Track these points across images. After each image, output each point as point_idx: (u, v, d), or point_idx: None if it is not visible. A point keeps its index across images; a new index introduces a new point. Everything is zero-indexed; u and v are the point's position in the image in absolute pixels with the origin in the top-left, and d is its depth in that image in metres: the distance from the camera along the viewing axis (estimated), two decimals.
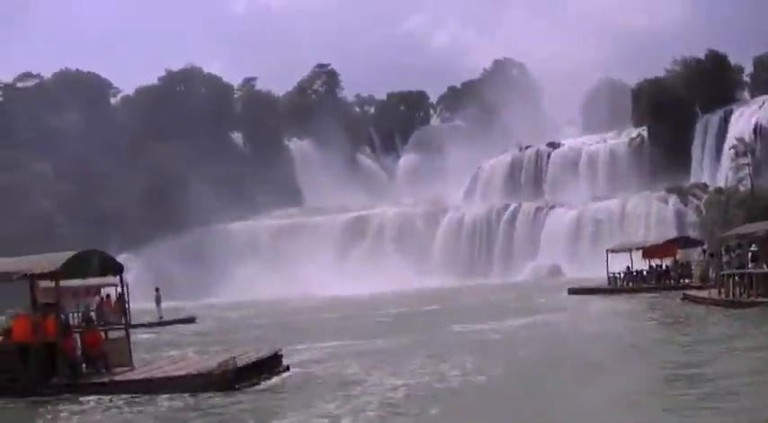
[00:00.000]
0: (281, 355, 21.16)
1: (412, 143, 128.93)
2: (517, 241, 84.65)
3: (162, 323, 46.03)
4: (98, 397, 18.15)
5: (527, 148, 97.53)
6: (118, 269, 22.36)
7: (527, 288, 56.69)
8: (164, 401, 17.39)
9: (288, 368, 20.72)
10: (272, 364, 20.49)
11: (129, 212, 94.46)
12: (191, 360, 22.16)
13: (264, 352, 21.05)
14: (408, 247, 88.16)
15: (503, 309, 39.65)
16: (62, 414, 17.03)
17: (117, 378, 19.48)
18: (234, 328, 40.87)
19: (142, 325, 41.14)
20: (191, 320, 47.83)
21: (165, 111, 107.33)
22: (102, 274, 22.99)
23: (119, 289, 40.91)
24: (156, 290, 50.06)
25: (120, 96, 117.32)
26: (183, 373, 19.13)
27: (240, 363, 19.18)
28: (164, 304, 49.59)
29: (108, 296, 41.83)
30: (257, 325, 41.61)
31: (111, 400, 17.83)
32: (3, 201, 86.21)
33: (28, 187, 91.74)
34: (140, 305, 46.33)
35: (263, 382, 19.19)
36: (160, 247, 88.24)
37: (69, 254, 20.79)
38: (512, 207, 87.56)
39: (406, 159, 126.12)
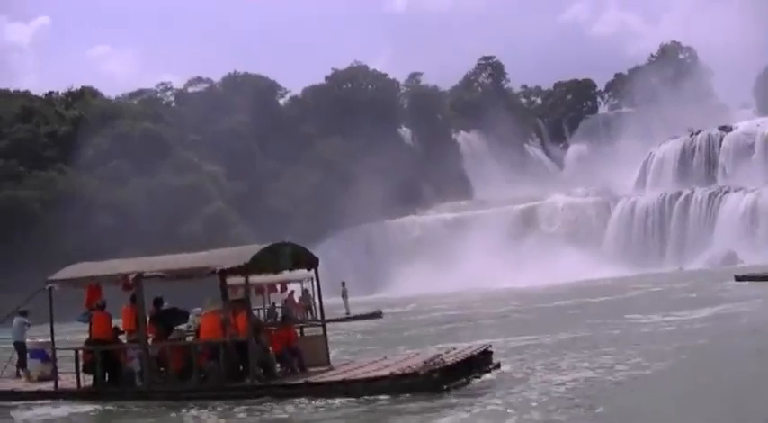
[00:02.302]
0: (491, 352, 19.60)
1: (580, 132, 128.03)
2: (691, 229, 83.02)
3: (350, 318, 44.94)
4: (292, 399, 17.14)
5: (698, 132, 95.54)
6: (312, 262, 20.99)
7: (701, 277, 55.99)
8: (365, 405, 16.23)
9: (499, 365, 19.18)
10: (481, 361, 18.95)
11: (299, 210, 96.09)
12: (391, 359, 20.32)
13: (474, 348, 19.65)
14: (579, 237, 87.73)
15: (675, 299, 39.23)
16: (254, 418, 16.12)
17: (313, 379, 18.35)
18: (420, 324, 40.00)
19: (330, 321, 41.07)
20: (378, 315, 46.80)
21: (333, 109, 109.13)
22: (295, 267, 21.42)
23: (304, 284, 42.52)
24: (343, 284, 48.87)
25: (288, 96, 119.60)
26: (385, 373, 17.66)
27: (448, 360, 17.86)
28: (336, 299, 47.73)
29: (293, 292, 41.48)
30: (441, 320, 41.43)
31: (306, 403, 16.78)
32: (178, 202, 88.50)
33: (202, 188, 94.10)
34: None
35: (473, 382, 17.73)
36: (330, 243, 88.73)
37: (259, 247, 19.76)
38: (684, 193, 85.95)
39: (575, 149, 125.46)
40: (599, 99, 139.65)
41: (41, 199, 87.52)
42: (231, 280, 20.74)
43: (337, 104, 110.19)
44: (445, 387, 16.73)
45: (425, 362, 17.52)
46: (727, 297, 36.69)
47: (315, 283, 21.66)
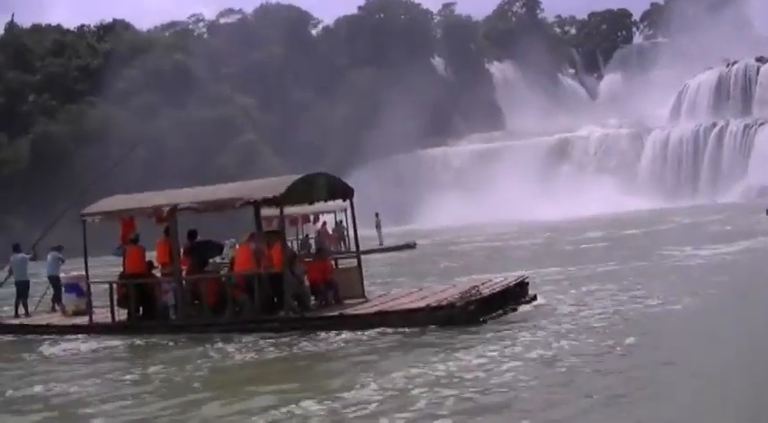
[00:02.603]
0: (527, 283, 19.39)
1: (614, 62, 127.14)
2: (725, 160, 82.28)
3: (383, 249, 44.71)
4: (327, 332, 16.90)
5: (734, 63, 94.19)
6: (347, 192, 20.65)
7: (734, 210, 55.61)
8: (400, 337, 16.00)
9: (535, 297, 18.94)
10: (517, 293, 18.72)
11: (331, 141, 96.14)
12: (427, 290, 19.95)
13: (510, 279, 19.32)
14: (613, 168, 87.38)
15: (707, 232, 38.91)
16: (290, 350, 15.88)
17: (348, 311, 18.03)
18: (452, 255, 39.70)
19: (365, 252, 40.09)
20: (411, 246, 46.32)
21: (365, 40, 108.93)
22: (330, 198, 21.21)
23: (337, 216, 42.72)
24: (376, 215, 48.31)
25: (320, 27, 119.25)
26: (421, 305, 17.32)
27: (485, 292, 17.58)
28: (368, 231, 47.53)
29: (325, 223, 41.86)
30: (473, 251, 41.43)
31: (341, 335, 16.53)
32: (211, 134, 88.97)
33: (234, 120, 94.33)
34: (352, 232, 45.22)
35: (510, 314, 17.45)
36: (361, 174, 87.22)
37: (294, 177, 19.40)
38: (719, 125, 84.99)
39: (609, 79, 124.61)
40: (634, 29, 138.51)
41: (73, 133, 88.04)
42: (265, 211, 20.93)
43: (370, 34, 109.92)
44: (481, 319, 16.58)
45: (462, 294, 17.31)
46: (759, 230, 36.37)
47: (350, 213, 21.30)
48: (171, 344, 17.86)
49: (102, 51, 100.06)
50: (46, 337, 20.07)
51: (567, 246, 39.13)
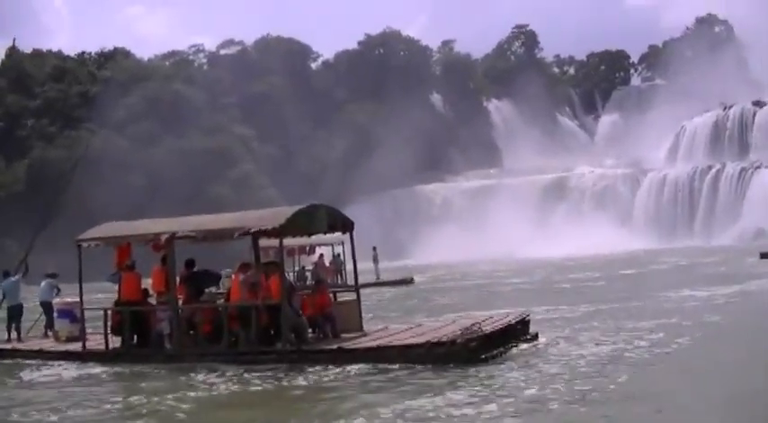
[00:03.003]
0: (529, 321, 19.20)
1: (612, 103, 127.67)
2: (720, 203, 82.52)
3: (380, 284, 44.34)
4: (325, 366, 16.67)
5: (731, 107, 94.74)
6: (347, 225, 20.60)
7: (728, 252, 55.70)
8: (399, 373, 15.75)
9: (537, 336, 18.75)
10: (519, 331, 18.53)
11: (328, 174, 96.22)
12: (426, 326, 19.83)
13: (512, 316, 19.11)
14: (609, 208, 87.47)
15: (701, 274, 38.93)
16: (286, 384, 15.70)
17: (346, 345, 17.72)
18: (449, 291, 39.71)
19: (363, 286, 38.83)
20: (409, 282, 45.98)
21: (364, 74, 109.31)
22: (330, 230, 20.99)
23: (335, 248, 42.47)
24: (374, 249, 48.02)
25: (320, 61, 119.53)
26: (421, 340, 17.13)
27: (486, 329, 17.26)
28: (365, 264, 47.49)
29: (322, 255, 41.54)
30: (470, 288, 41.34)
31: (340, 370, 16.29)
32: (208, 163, 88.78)
33: (231, 150, 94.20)
34: (350, 265, 44.15)
35: (511, 352, 17.31)
36: (358, 207, 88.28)
37: (294, 208, 19.33)
38: (715, 168, 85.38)
39: (607, 120, 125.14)
40: (632, 70, 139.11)
41: (71, 159, 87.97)
42: (262, 242, 20.94)
43: (369, 70, 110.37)
44: (482, 356, 16.35)
45: (463, 330, 16.97)
46: (753, 274, 36.43)
47: (350, 246, 20.94)
48: (156, 372, 17.74)
49: (101, 78, 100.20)
50: (37, 362, 19.87)
51: (563, 284, 39.17)
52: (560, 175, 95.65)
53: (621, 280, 40.15)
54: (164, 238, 19.08)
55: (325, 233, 21.53)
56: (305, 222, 19.68)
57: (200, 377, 16.77)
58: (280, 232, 18.45)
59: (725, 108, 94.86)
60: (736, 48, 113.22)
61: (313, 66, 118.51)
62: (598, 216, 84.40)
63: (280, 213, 19.09)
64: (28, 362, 20.04)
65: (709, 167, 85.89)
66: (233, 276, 20.27)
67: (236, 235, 18.77)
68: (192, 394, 15.34)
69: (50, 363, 19.69)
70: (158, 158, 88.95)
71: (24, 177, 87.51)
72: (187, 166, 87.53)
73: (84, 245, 20.13)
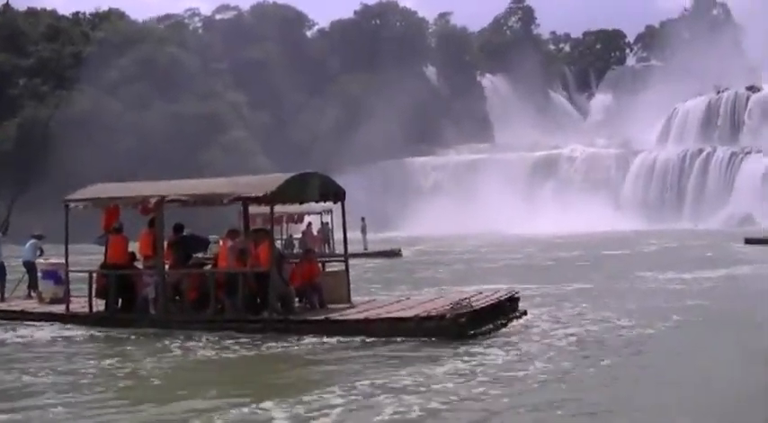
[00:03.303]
0: (518, 298, 18.80)
1: (606, 82, 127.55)
2: (709, 187, 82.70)
3: (368, 254, 43.90)
4: (311, 336, 16.60)
5: (725, 90, 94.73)
6: (339, 194, 20.16)
7: (715, 236, 55.85)
8: (383, 346, 15.69)
9: (525, 313, 18.45)
10: (507, 308, 18.17)
11: (319, 143, 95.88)
12: (414, 299, 19.72)
13: (501, 293, 18.90)
14: (598, 187, 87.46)
15: (687, 257, 39.04)
16: (265, 352, 15.76)
17: (333, 316, 17.55)
18: (436, 264, 39.55)
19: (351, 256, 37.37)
20: (396, 253, 45.69)
21: (359, 44, 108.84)
22: (321, 199, 20.57)
23: (323, 217, 42.39)
24: (362, 219, 47.69)
25: (315, 29, 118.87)
26: (409, 314, 16.93)
27: (476, 305, 16.96)
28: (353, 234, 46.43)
29: (310, 224, 41.48)
30: (457, 261, 41.27)
31: (325, 341, 16.25)
32: (199, 129, 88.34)
33: (223, 116, 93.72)
34: (338, 235, 43.88)
35: (500, 329, 17.00)
36: (348, 178, 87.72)
37: (286, 176, 19.08)
38: (706, 151, 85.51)
39: (600, 99, 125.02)
40: (628, 50, 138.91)
41: (62, 119, 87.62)
42: (251, 209, 20.87)
43: (364, 40, 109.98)
44: (471, 332, 16.17)
45: (452, 305, 16.73)
46: (739, 259, 36.62)
47: (341, 216, 20.60)
48: (134, 338, 17.56)
49: (95, 39, 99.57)
50: (19, 323, 19.74)
51: (550, 262, 39.27)
52: (551, 152, 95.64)
53: (609, 260, 40.22)
54: (153, 201, 18.84)
55: (316, 202, 21.31)
56: (297, 190, 19.48)
57: (180, 343, 16.70)
58: (270, 199, 18.20)
59: (718, 92, 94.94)
60: (733, 31, 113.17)
61: (308, 34, 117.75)
62: (587, 195, 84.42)
63: (271, 180, 18.78)
64: (6, 322, 19.87)
65: (700, 151, 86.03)
66: (221, 242, 19.98)
67: (226, 200, 18.62)
68: (167, 358, 15.30)
69: (30, 323, 19.57)
70: (149, 122, 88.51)
71: (15, 136, 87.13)
72: (178, 130, 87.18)
73: (72, 205, 19.94)
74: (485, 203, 79.58)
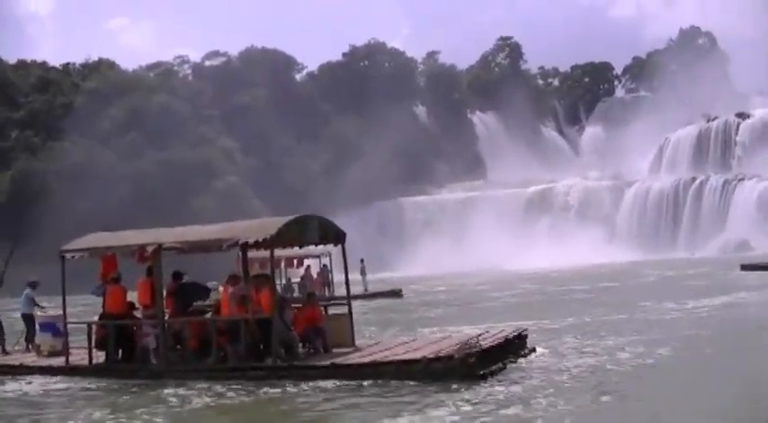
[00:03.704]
0: (526, 335, 18.73)
1: (596, 115, 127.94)
2: (704, 215, 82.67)
3: (369, 296, 43.52)
4: (318, 382, 16.18)
5: (714, 119, 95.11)
6: (340, 236, 19.91)
7: (711, 264, 55.77)
8: (384, 389, 15.36)
9: (534, 349, 18.30)
10: (516, 345, 18.01)
11: (312, 186, 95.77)
12: (421, 340, 19.53)
13: (508, 331, 18.72)
14: (593, 220, 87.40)
15: (684, 286, 39.01)
16: (278, 401, 15.34)
17: (339, 361, 17.13)
18: (438, 304, 39.24)
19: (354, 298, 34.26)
20: (397, 294, 45.11)
21: (349, 86, 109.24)
22: (321, 241, 20.12)
23: (322, 260, 42.04)
24: (362, 261, 46.93)
25: (304, 72, 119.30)
26: (417, 356, 16.60)
27: (484, 344, 16.63)
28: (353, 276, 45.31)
29: (309, 267, 41.07)
30: (459, 300, 41.12)
31: (333, 387, 15.84)
32: (192, 175, 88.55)
33: (215, 162, 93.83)
34: (338, 277, 42.21)
35: (509, 367, 16.74)
36: (343, 220, 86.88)
37: (285, 219, 18.64)
38: (699, 179, 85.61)
39: (591, 131, 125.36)
40: (616, 82, 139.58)
41: (55, 170, 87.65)
42: (249, 253, 20.36)
43: (353, 81, 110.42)
44: (481, 372, 15.75)
45: (461, 345, 16.36)
46: (736, 286, 36.52)
47: (342, 258, 20.15)
48: (134, 389, 17.24)
49: (85, 89, 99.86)
50: (18, 377, 19.32)
51: (548, 297, 39.08)
52: (544, 187, 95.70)
53: (607, 292, 40.11)
54: (150, 249, 18.60)
55: (316, 245, 20.71)
56: (296, 233, 19.04)
57: (181, 392, 16.38)
58: (270, 243, 17.87)
59: (708, 120, 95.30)
60: (720, 59, 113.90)
61: (297, 77, 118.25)
62: (582, 228, 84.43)
63: (270, 224, 18.47)
64: (16, 377, 19.43)
65: (693, 179, 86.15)
66: (221, 289, 19.74)
67: (226, 246, 18.13)
68: (163, 409, 15.02)
69: (21, 377, 19.28)
70: (142, 170, 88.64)
71: (8, 188, 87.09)
72: (171, 177, 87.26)
73: (68, 256, 19.61)
74: (480, 240, 79.55)
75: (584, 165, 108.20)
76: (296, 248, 21.31)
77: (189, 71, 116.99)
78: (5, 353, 22.57)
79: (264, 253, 19.33)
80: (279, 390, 15.95)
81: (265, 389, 15.99)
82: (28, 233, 77.66)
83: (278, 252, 24.39)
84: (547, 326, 25.04)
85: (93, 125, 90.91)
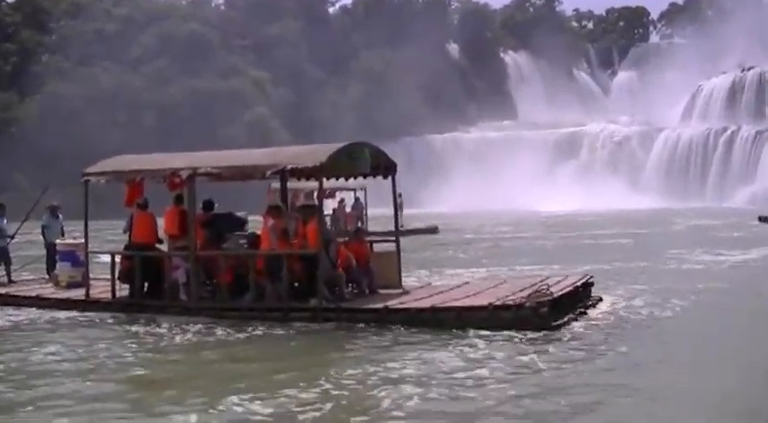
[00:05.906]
0: (593, 283, 17.11)
1: (629, 60, 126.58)
2: (734, 165, 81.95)
3: (405, 232, 42.55)
4: (367, 326, 14.80)
5: (749, 69, 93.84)
6: (390, 167, 18.24)
7: (742, 215, 55.13)
8: (457, 338, 13.76)
9: (601, 299, 16.78)
10: (582, 294, 16.47)
11: (341, 120, 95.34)
12: (474, 285, 17.79)
13: (575, 278, 16.99)
14: (621, 165, 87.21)
15: (711, 237, 38.28)
16: (323, 347, 14.05)
17: (393, 304, 15.43)
18: (471, 243, 38.04)
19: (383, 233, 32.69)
20: (433, 231, 44.00)
21: (381, 21, 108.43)
22: (373, 172, 18.23)
23: (357, 193, 41.12)
24: (399, 195, 46.12)
25: (338, 5, 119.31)
26: (480, 303, 14.93)
27: (554, 292, 14.98)
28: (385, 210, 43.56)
29: (343, 200, 40.14)
30: (491, 240, 39.92)
31: (385, 332, 14.32)
32: (222, 105, 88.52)
33: (246, 93, 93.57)
34: (371, 211, 41.47)
35: (581, 319, 15.09)
36: None
37: (337, 145, 16.94)
38: (730, 129, 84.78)
39: (623, 76, 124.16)
40: (651, 28, 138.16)
41: (85, 96, 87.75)
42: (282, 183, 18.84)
43: (386, 16, 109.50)
44: (554, 323, 14.28)
45: (531, 294, 14.76)
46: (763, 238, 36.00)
47: (393, 191, 18.31)
48: (162, 326, 15.87)
49: (118, 16, 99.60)
50: (39, 310, 18.00)
51: (583, 241, 38.11)
52: (573, 130, 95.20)
53: (641, 239, 39.05)
54: (184, 174, 16.80)
55: (365, 177, 18.69)
56: (347, 162, 17.26)
57: (219, 332, 15.08)
58: (320, 171, 16.22)
59: (743, 70, 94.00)
60: (757, 7, 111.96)
61: (331, 10, 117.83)
62: (609, 173, 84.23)
63: (321, 151, 16.64)
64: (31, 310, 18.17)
65: (724, 129, 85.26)
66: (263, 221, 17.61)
67: (269, 173, 16.75)
68: (193, 351, 13.93)
69: (39, 309, 18.07)
70: (171, 99, 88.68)
71: (37, 112, 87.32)
72: (200, 107, 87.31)
73: (92, 180, 18.04)
74: (508, 181, 79.20)
75: (615, 109, 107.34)
76: (332, 179, 18.98)
77: (221, 0, 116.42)
78: (11, 282, 21.24)
79: (300, 184, 17.89)
80: (324, 335, 14.69)
81: (307, 332, 14.80)
82: (56, 158, 77.87)
83: (306, 184, 23.04)
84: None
85: (124, 52, 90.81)
